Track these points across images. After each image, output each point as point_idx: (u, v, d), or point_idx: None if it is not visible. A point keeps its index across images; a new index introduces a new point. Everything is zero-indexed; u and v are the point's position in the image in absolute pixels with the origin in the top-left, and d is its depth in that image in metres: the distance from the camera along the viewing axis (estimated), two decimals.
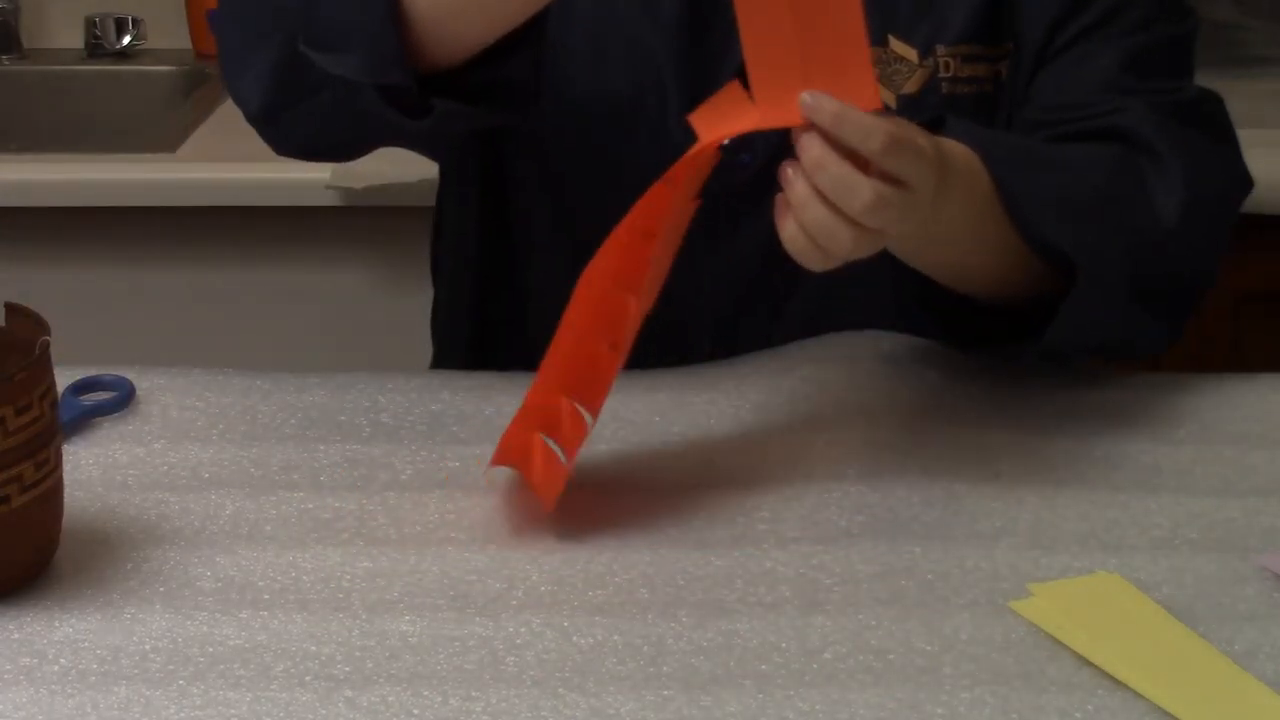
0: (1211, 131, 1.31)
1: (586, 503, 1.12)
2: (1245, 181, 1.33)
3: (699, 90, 1.09)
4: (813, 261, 1.07)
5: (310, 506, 1.12)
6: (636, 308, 1.09)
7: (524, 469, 1.13)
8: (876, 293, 1.32)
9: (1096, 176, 1.23)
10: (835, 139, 1.03)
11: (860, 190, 1.04)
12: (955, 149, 1.15)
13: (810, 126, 1.04)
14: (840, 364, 1.28)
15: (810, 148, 1.04)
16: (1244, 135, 1.33)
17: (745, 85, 1.06)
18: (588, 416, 1.12)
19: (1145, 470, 1.16)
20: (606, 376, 1.12)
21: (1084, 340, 1.24)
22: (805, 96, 1.04)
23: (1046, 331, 1.20)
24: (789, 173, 1.05)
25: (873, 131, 1.03)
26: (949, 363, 1.28)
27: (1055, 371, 1.29)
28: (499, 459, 1.13)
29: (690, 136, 1.07)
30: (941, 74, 1.33)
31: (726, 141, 1.08)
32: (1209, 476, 1.15)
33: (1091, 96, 1.29)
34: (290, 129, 1.28)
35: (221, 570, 1.05)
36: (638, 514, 1.11)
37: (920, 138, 1.08)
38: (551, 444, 1.12)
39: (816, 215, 1.04)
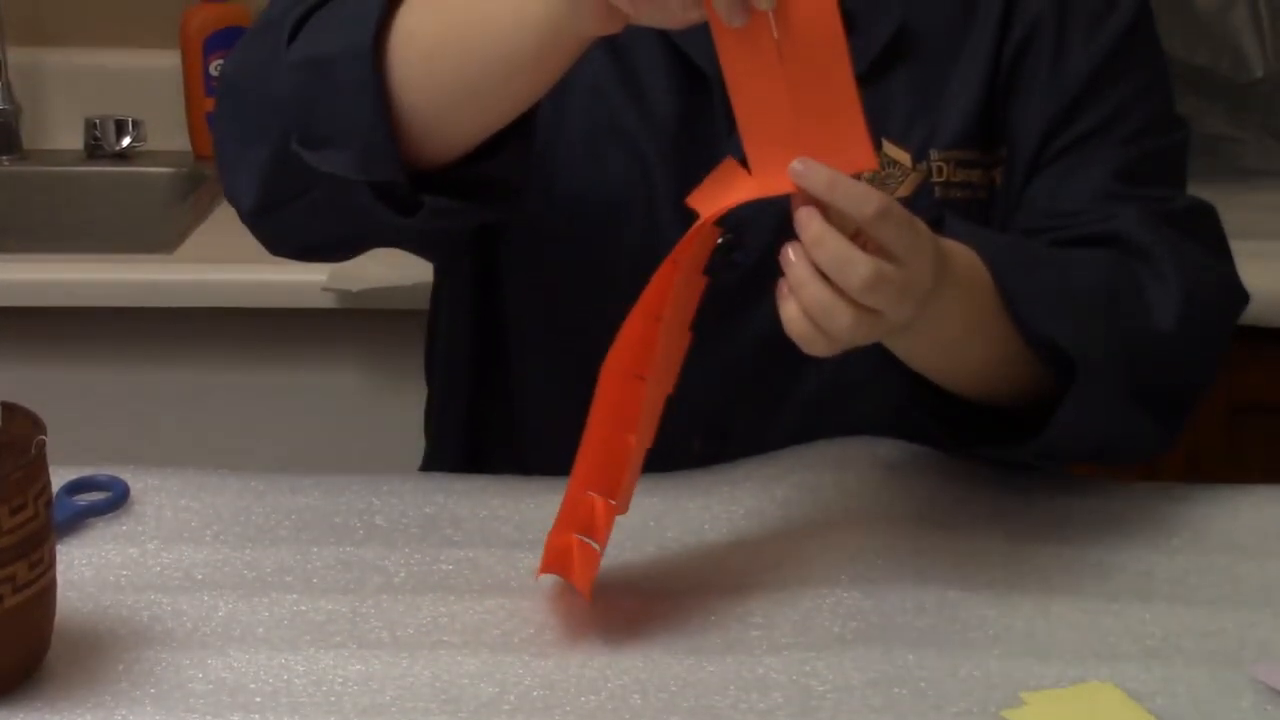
0: (1206, 241, 1.32)
1: (580, 607, 1.12)
2: (1241, 293, 1.34)
3: (690, 188, 1.10)
4: (814, 345, 1.07)
5: (303, 609, 1.12)
6: (650, 392, 1.10)
7: (567, 573, 1.13)
8: (870, 398, 1.32)
9: (1095, 277, 1.24)
10: (830, 208, 1.04)
11: (858, 265, 1.04)
12: (954, 247, 1.16)
13: (806, 199, 1.05)
14: (833, 470, 1.28)
15: (810, 225, 1.05)
16: (1238, 247, 1.34)
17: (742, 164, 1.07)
18: (617, 504, 1.13)
19: (1139, 579, 1.16)
20: (630, 465, 1.12)
21: (1082, 439, 1.24)
22: (796, 165, 1.05)
23: (1045, 430, 1.20)
24: (790, 255, 1.06)
25: (866, 198, 1.04)
26: (942, 469, 1.29)
27: (1049, 480, 1.29)
28: (546, 567, 1.14)
29: (685, 226, 1.08)
30: (935, 179, 1.34)
31: (724, 237, 1.09)
32: (1203, 586, 1.15)
33: (1085, 204, 1.30)
34: (283, 227, 1.29)
35: (213, 672, 1.05)
36: (631, 619, 1.11)
37: (916, 220, 1.09)
38: (588, 540, 1.13)
39: (816, 294, 1.05)
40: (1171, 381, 1.29)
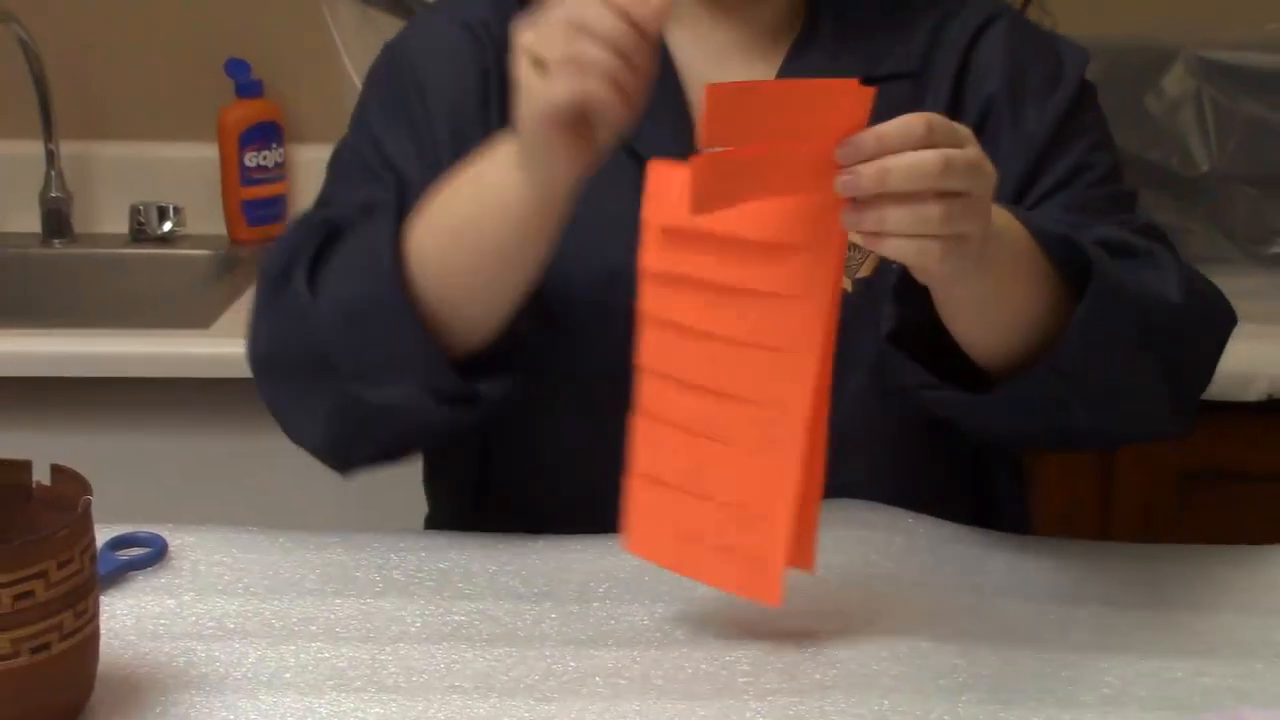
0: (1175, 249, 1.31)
1: (578, 657, 1.12)
2: (1230, 305, 1.31)
3: None
4: (930, 256, 1.05)
5: (326, 655, 1.12)
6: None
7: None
8: (851, 464, 1.32)
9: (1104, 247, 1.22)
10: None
11: (925, 157, 1.02)
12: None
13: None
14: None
15: (867, 170, 1.02)
16: None
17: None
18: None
19: (1097, 632, 1.16)
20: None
21: (1096, 362, 1.20)
22: (843, 179, 1.02)
23: (1060, 343, 1.17)
24: (853, 216, 1.04)
25: (926, 165, 1.03)
26: (915, 531, 1.29)
27: (1012, 541, 1.29)
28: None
29: None
30: (892, 261, 1.32)
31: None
32: (1156, 639, 1.15)
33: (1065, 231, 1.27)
34: (353, 455, 1.32)
35: (243, 714, 1.05)
36: (628, 667, 1.11)
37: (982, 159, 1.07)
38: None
39: (900, 214, 1.03)
40: (1178, 350, 1.25)
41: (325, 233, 1.27)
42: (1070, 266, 1.19)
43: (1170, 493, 1.92)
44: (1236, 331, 1.31)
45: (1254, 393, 1.81)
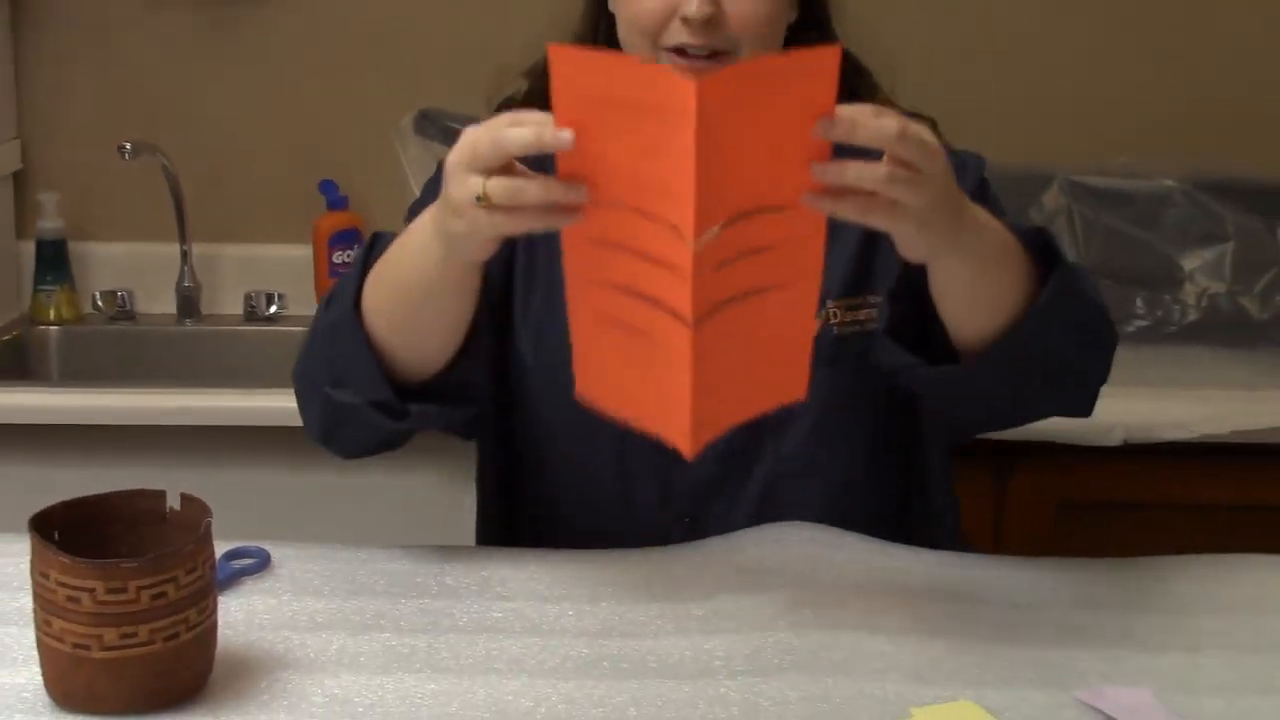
0: None
1: (590, 646, 1.12)
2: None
3: None
4: (873, 215, 0.99)
5: (393, 644, 1.12)
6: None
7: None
8: (802, 489, 1.32)
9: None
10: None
11: (889, 124, 0.96)
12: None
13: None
14: (776, 546, 1.27)
15: (840, 118, 0.94)
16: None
17: None
18: None
19: (997, 626, 1.15)
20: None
21: (1056, 338, 1.16)
22: (821, 125, 0.94)
23: (1031, 315, 1.13)
24: (819, 168, 0.96)
25: (885, 127, 0.97)
26: (856, 546, 1.28)
27: (933, 556, 1.28)
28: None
29: None
30: (831, 321, 1.31)
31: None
32: (1043, 632, 1.14)
33: None
34: (340, 445, 1.29)
35: (329, 690, 1.05)
36: (629, 653, 1.11)
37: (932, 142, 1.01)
38: None
39: (856, 168, 0.97)
40: (1101, 343, 1.22)
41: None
42: (1039, 256, 1.16)
43: (1050, 518, 1.91)
44: (1101, 390, 1.29)
45: (1113, 438, 1.81)
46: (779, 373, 1.05)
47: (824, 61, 0.94)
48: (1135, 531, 1.88)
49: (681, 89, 0.89)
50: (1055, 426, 1.35)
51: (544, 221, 1.01)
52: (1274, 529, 1.74)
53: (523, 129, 1.00)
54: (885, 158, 0.98)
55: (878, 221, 1.01)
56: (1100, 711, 1.02)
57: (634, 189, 0.96)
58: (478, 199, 1.02)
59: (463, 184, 1.03)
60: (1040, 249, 1.16)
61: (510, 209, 1.01)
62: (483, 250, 1.10)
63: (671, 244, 0.94)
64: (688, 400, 0.98)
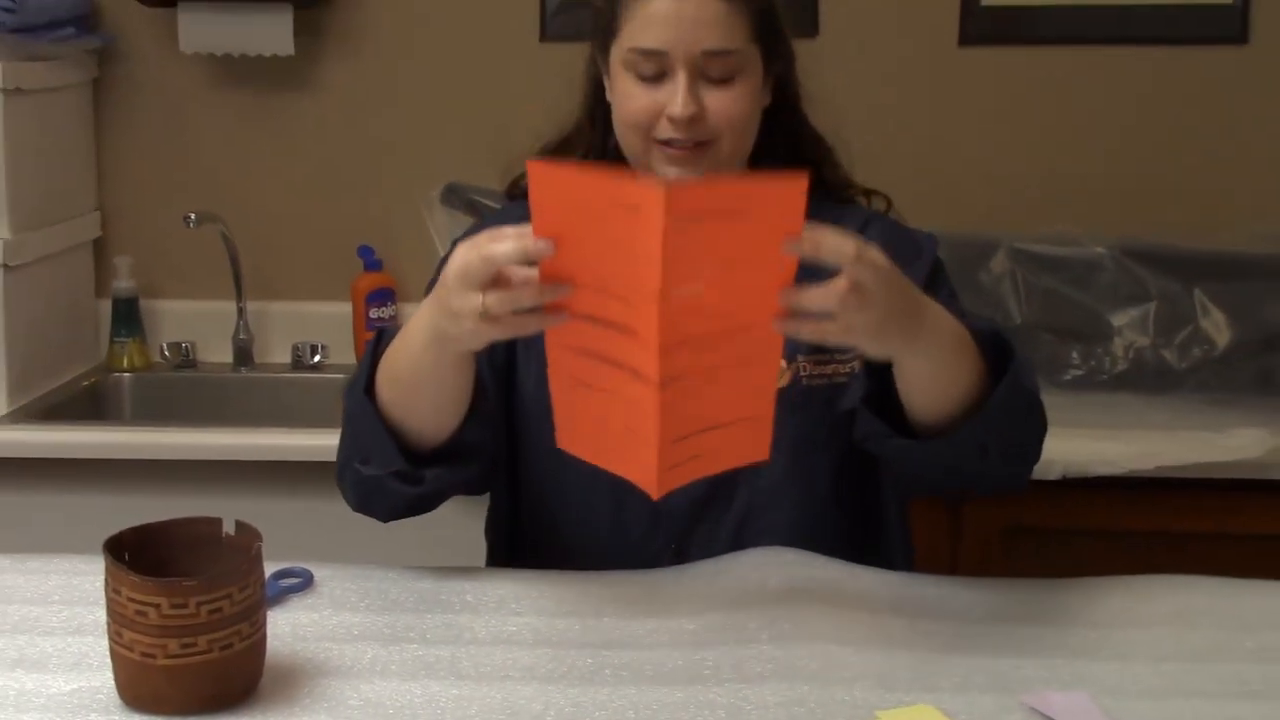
0: None
1: (594, 656, 1.11)
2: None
3: None
4: (830, 336, 1.00)
5: (420, 654, 1.11)
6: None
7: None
8: (773, 520, 1.31)
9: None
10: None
11: (848, 243, 0.96)
12: (925, 298, 1.10)
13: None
14: (757, 568, 1.27)
15: (805, 237, 0.94)
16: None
17: None
18: None
19: (952, 638, 1.15)
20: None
21: (1010, 423, 1.15)
22: (788, 244, 0.93)
23: (990, 405, 1.13)
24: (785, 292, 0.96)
25: (844, 245, 0.97)
26: (827, 567, 1.28)
27: (895, 577, 1.27)
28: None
29: None
30: (801, 373, 1.30)
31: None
32: (992, 643, 1.14)
33: None
34: (375, 511, 1.29)
35: (364, 694, 1.04)
36: (628, 663, 1.10)
37: (887, 264, 1.00)
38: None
39: (812, 292, 0.98)
40: (1037, 429, 1.21)
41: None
42: (992, 352, 1.16)
43: (998, 543, 1.91)
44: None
45: (1054, 473, 1.80)
46: (742, 432, 1.05)
47: (792, 189, 0.94)
48: (1073, 555, 1.89)
49: (651, 196, 0.89)
50: None
51: (535, 326, 1.04)
52: (1194, 553, 1.74)
53: (506, 244, 1.02)
54: (841, 277, 0.99)
55: (834, 340, 1.02)
56: (1042, 714, 1.02)
57: (606, 279, 0.97)
58: (480, 314, 1.04)
59: (464, 299, 1.05)
60: (994, 344, 1.17)
61: (506, 319, 1.03)
62: (476, 348, 1.11)
63: (639, 314, 0.95)
64: (654, 454, 0.99)
